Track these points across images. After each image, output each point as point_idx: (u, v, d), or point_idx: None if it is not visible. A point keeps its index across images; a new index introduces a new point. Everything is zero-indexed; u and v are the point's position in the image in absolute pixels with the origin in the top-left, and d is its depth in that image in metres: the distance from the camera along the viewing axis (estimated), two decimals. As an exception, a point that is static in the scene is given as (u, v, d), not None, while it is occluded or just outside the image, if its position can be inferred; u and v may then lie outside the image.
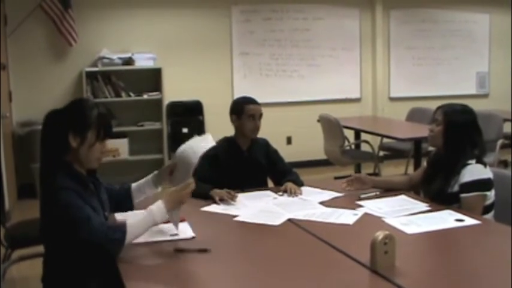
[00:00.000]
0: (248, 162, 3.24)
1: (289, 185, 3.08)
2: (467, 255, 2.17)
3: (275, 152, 3.35)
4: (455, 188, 2.71)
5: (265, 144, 3.34)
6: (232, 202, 2.86)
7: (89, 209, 2.06)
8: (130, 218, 2.15)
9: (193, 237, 2.33)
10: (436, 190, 2.79)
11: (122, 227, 2.06)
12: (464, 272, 1.97)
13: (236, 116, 3.21)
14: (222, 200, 2.87)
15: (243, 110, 3.18)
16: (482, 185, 2.68)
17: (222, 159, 3.18)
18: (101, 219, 2.09)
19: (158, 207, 2.16)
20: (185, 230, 2.39)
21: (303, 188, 3.12)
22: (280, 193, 3.05)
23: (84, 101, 2.28)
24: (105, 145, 2.20)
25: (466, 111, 2.82)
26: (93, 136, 2.13)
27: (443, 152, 2.81)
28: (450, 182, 2.73)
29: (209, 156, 3.16)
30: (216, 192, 2.92)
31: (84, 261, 2.08)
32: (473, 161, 2.71)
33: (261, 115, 3.22)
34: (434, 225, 2.42)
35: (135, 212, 2.34)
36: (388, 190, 3.00)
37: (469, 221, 2.47)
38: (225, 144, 3.24)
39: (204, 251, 2.16)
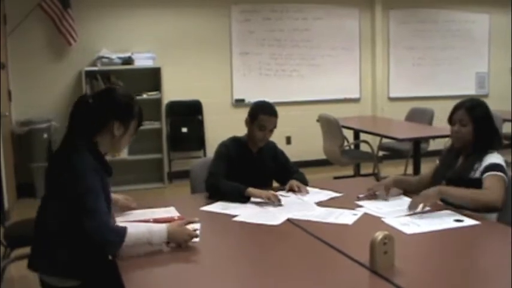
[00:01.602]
0: (256, 164, 3.19)
1: (294, 182, 3.08)
2: (466, 256, 2.16)
3: (282, 153, 3.32)
4: (478, 173, 2.74)
5: (273, 147, 3.30)
6: (280, 204, 2.80)
7: (102, 201, 2.09)
8: (132, 228, 2.13)
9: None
10: (458, 175, 2.81)
11: (121, 232, 2.06)
12: (463, 272, 1.96)
13: (250, 119, 3.15)
14: (268, 199, 2.81)
15: (257, 118, 3.10)
16: (504, 169, 2.73)
17: (234, 159, 3.13)
18: (107, 217, 2.10)
19: (160, 231, 2.14)
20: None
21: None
22: (282, 192, 3.04)
23: (127, 92, 2.33)
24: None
25: (481, 103, 2.88)
26: (134, 127, 2.25)
27: (471, 147, 2.82)
28: (473, 167, 2.76)
29: (223, 155, 3.13)
30: (259, 192, 2.86)
31: (83, 255, 2.08)
32: (493, 150, 2.79)
33: (274, 127, 3.13)
34: (433, 225, 2.42)
35: (138, 224, 2.32)
36: (405, 191, 3.00)
37: (468, 221, 2.47)
38: (234, 144, 3.19)
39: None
